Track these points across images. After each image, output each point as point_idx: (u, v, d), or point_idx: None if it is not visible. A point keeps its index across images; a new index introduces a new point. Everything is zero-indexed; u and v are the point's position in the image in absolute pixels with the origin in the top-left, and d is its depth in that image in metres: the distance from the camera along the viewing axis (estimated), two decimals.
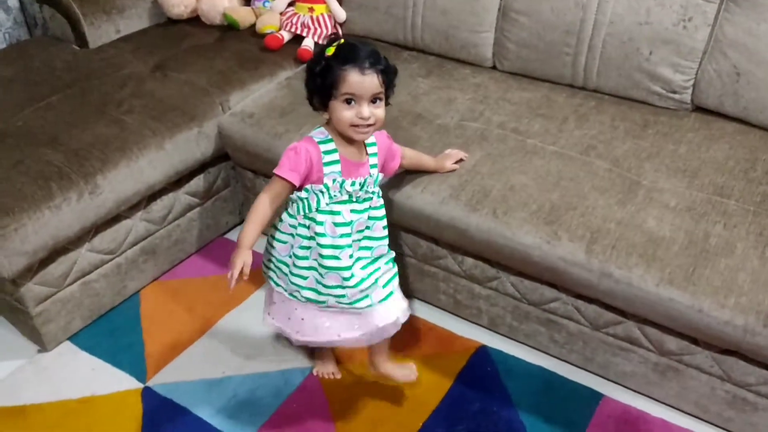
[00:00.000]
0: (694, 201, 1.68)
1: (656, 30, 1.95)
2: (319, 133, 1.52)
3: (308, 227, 1.54)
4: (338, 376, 1.88)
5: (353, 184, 1.52)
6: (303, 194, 1.52)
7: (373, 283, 1.59)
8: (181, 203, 2.19)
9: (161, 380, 1.89)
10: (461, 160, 1.85)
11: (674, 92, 2.00)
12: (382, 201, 1.61)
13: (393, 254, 1.67)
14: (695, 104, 2.01)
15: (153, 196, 2.10)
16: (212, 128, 2.16)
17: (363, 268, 1.58)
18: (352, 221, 1.54)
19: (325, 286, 1.56)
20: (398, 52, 2.42)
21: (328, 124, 1.52)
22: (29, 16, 2.82)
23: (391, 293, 1.63)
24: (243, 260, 1.47)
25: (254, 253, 1.51)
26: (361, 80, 1.41)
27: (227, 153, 2.24)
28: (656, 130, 1.94)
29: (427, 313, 2.05)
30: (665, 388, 1.72)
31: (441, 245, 1.90)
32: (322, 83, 1.45)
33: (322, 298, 1.58)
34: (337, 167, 1.50)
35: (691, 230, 1.60)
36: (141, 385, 1.87)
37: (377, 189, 1.59)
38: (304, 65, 2.35)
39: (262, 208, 1.50)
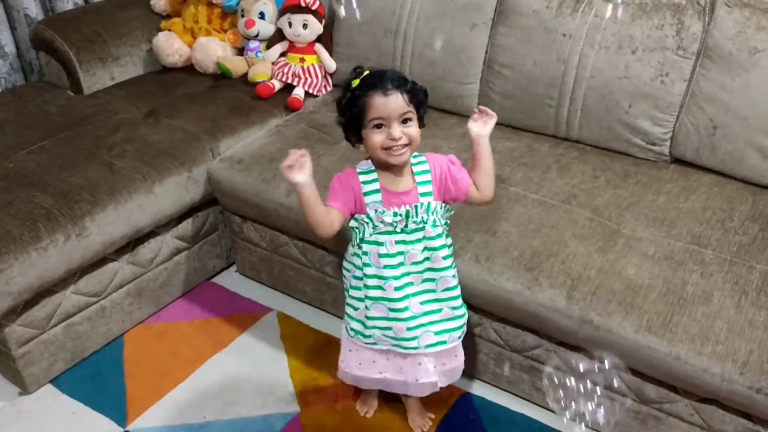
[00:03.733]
0: (672, 250, 1.71)
1: (635, 84, 2.02)
2: (364, 163, 1.55)
3: (360, 256, 1.56)
4: (369, 415, 1.87)
5: (395, 215, 1.51)
6: (354, 223, 1.55)
7: (425, 324, 1.58)
8: (168, 246, 2.21)
9: (142, 425, 1.87)
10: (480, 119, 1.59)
11: (653, 144, 2.05)
12: (440, 230, 1.55)
13: (464, 307, 1.64)
14: (674, 156, 2.06)
15: (140, 239, 2.12)
16: (202, 173, 2.20)
17: (423, 303, 1.58)
18: (398, 252, 1.53)
19: (369, 318, 1.58)
20: None
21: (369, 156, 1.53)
22: (25, 62, 2.88)
23: (442, 342, 1.61)
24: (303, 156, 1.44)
25: None
26: (385, 101, 1.42)
27: (216, 198, 2.27)
28: (636, 180, 1.99)
29: None
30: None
31: None
32: (350, 115, 1.47)
33: (367, 332, 1.60)
34: (378, 197, 1.51)
35: (669, 278, 1.63)
36: (121, 430, 1.86)
37: (433, 217, 1.54)
38: (295, 112, 2.44)
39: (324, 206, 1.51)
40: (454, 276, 1.60)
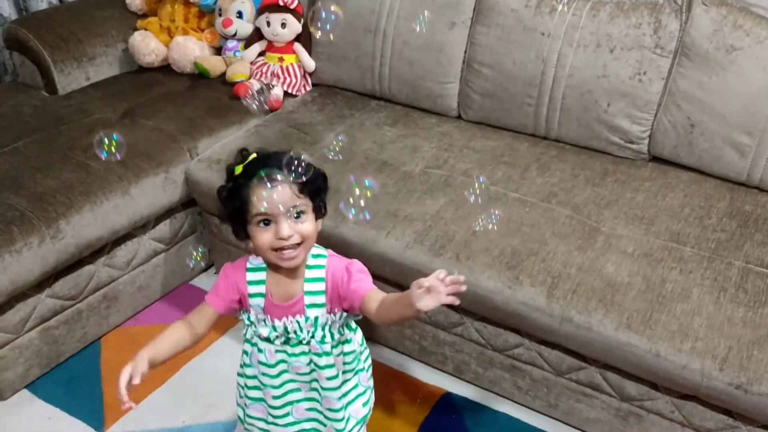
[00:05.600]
0: (651, 247, 1.72)
1: (613, 83, 2.02)
2: (257, 259, 1.34)
3: (245, 348, 1.40)
4: None
5: (273, 328, 1.32)
6: (242, 315, 1.37)
7: (308, 430, 1.44)
8: (145, 249, 2.18)
9: (119, 430, 1.85)
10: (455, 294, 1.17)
11: (632, 143, 2.06)
12: (327, 347, 1.33)
13: (354, 421, 1.43)
14: (652, 154, 2.07)
15: (117, 241, 2.08)
16: (179, 174, 2.17)
17: (309, 410, 1.42)
18: (279, 361, 1.35)
19: (248, 415, 1.45)
20: (366, 101, 2.47)
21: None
22: None
23: None
24: (132, 367, 1.25)
25: None
26: (270, 194, 1.20)
27: (194, 199, 2.24)
28: (615, 178, 1.99)
29: (392, 360, 2.04)
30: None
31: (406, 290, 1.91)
32: (232, 208, 1.25)
33: (247, 424, 1.46)
34: (261, 301, 1.32)
35: (649, 276, 1.63)
36: None
37: (321, 333, 1.33)
38: (273, 112, 2.41)
39: (176, 324, 1.36)
40: (340, 398, 1.39)
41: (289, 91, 2.52)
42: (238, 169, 1.26)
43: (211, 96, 2.48)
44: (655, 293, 1.59)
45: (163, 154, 2.16)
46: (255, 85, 2.48)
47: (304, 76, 2.59)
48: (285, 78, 2.52)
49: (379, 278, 1.93)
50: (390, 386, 1.96)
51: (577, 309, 1.59)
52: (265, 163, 1.24)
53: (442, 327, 1.90)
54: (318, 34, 1.31)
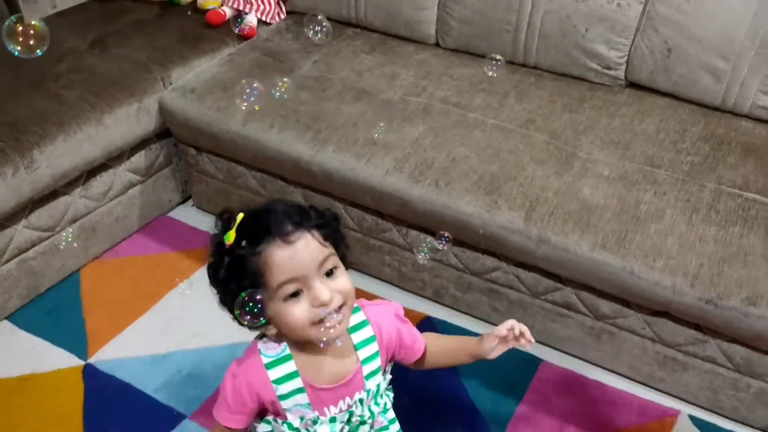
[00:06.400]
0: (627, 171, 1.75)
1: (591, 8, 2.01)
2: (270, 346, 1.04)
3: None
4: None
5: (333, 420, 1.04)
6: (263, 427, 1.09)
7: None
8: (121, 180, 2.16)
9: (103, 357, 1.86)
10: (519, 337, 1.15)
11: (609, 68, 2.06)
12: (391, 413, 1.11)
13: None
14: (629, 80, 2.08)
15: (92, 172, 2.06)
16: (153, 104, 2.13)
17: None
18: None
19: None
20: (342, 29, 2.43)
21: (278, 336, 1.04)
22: None
23: None
24: None
25: None
26: (293, 253, 0.94)
27: (169, 129, 2.21)
28: (592, 104, 2.00)
29: (372, 287, 2.07)
30: (600, 351, 1.78)
31: (385, 218, 1.93)
32: (239, 288, 0.96)
33: None
34: (303, 398, 1.03)
35: (624, 198, 1.67)
36: (82, 363, 1.85)
37: (384, 401, 1.10)
38: (247, 40, 2.36)
39: None
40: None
41: (263, 18, 2.47)
42: (230, 238, 0.97)
43: (182, 24, 2.42)
44: (630, 215, 1.62)
45: (136, 83, 2.12)
46: (228, 12, 2.42)
47: (278, 4, 2.53)
48: (258, 5, 2.46)
49: (359, 206, 1.95)
50: None
51: (554, 231, 1.63)
52: (263, 218, 0.97)
53: None
54: (242, 107, 1.21)
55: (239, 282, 0.96)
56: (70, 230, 1.24)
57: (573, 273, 1.65)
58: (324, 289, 0.95)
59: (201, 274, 2.10)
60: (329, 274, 0.97)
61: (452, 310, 2.00)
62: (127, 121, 2.06)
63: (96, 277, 2.12)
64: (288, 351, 1.03)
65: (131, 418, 1.72)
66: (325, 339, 0.97)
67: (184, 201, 2.44)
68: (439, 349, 1.15)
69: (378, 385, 1.08)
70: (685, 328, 1.61)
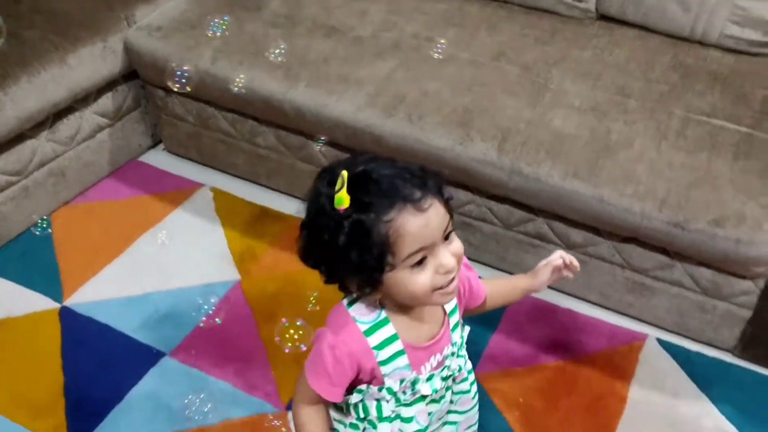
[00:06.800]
0: (598, 101, 1.76)
1: None
2: (363, 312, 1.00)
3: (363, 430, 1.08)
4: None
5: (430, 378, 1.04)
6: (355, 398, 1.05)
7: None
8: (89, 123, 2.12)
9: (79, 300, 1.86)
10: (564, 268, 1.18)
11: (579, 1, 2.06)
12: (468, 364, 1.12)
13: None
14: (599, 13, 2.08)
15: (59, 115, 2.02)
16: (118, 43, 2.08)
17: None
18: (428, 424, 1.09)
19: None
20: None
21: (380, 300, 1.00)
22: None
23: None
24: None
25: None
26: (426, 222, 0.88)
27: (136, 70, 2.16)
28: (563, 37, 2.00)
29: None
30: (571, 280, 1.81)
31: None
32: (361, 257, 0.89)
33: None
34: (403, 360, 1.01)
35: (595, 127, 1.68)
36: (58, 305, 1.84)
37: (463, 352, 1.11)
38: None
39: (310, 423, 1.06)
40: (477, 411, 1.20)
41: None
42: (343, 201, 0.88)
43: None
44: (601, 143, 1.64)
45: (99, 22, 2.07)
46: None
47: None
48: None
49: (332, 144, 1.94)
50: None
51: (526, 161, 1.64)
52: (391, 180, 0.89)
53: None
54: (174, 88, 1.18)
55: (365, 252, 0.89)
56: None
57: (545, 203, 1.68)
58: (449, 256, 0.92)
59: (173, 217, 2.11)
60: (447, 237, 0.93)
61: None
62: (92, 61, 2.02)
63: (67, 221, 2.10)
64: (384, 315, 1.00)
65: (111, 357, 1.72)
66: (444, 302, 0.99)
67: (155, 145, 2.41)
68: (493, 291, 1.15)
69: (462, 337, 1.09)
70: (653, 253, 1.65)
